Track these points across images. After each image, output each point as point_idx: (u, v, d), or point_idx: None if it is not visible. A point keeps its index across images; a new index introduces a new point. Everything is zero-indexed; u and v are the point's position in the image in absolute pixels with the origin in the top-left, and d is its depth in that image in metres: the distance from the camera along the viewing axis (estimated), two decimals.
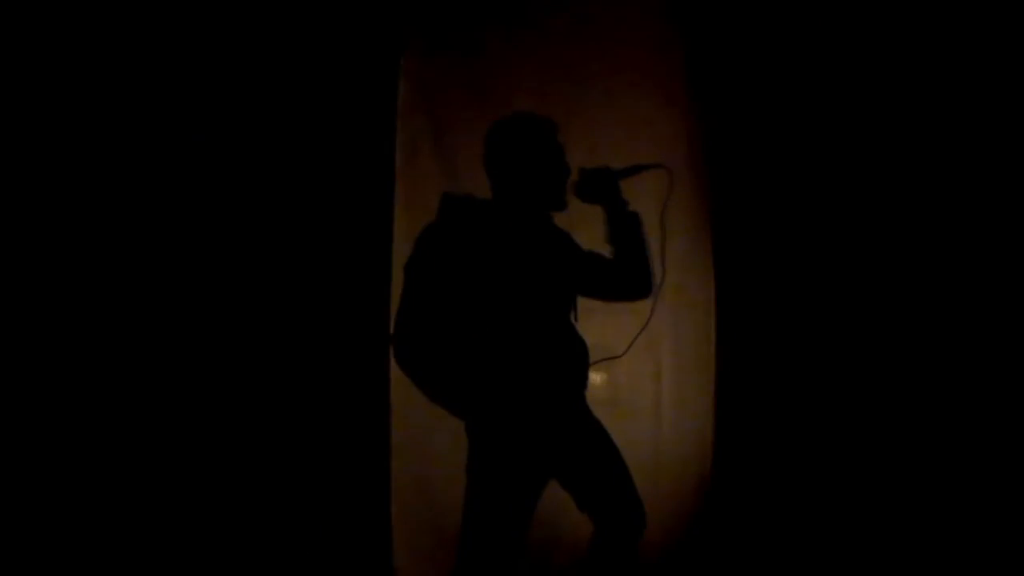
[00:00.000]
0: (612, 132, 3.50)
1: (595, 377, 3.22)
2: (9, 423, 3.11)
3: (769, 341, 3.49)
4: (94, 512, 3.17)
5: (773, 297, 3.50)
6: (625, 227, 2.71)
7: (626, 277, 2.72)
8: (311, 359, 3.30)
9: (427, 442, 3.32)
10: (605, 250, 2.77)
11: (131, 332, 3.23)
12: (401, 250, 3.22)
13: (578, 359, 2.66)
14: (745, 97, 3.54)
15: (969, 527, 3.28)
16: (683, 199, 3.52)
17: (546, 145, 2.67)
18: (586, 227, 2.86)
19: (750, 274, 3.52)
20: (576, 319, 2.71)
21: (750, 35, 3.54)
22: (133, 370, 3.22)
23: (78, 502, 3.16)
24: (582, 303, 2.77)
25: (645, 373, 3.51)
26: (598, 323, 2.88)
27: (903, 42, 3.45)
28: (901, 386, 3.41)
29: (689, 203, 3.56)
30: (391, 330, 2.60)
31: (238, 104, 3.30)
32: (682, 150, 3.60)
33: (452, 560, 2.61)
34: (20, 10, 3.15)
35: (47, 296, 3.18)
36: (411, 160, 3.42)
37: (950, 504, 3.32)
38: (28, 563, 3.09)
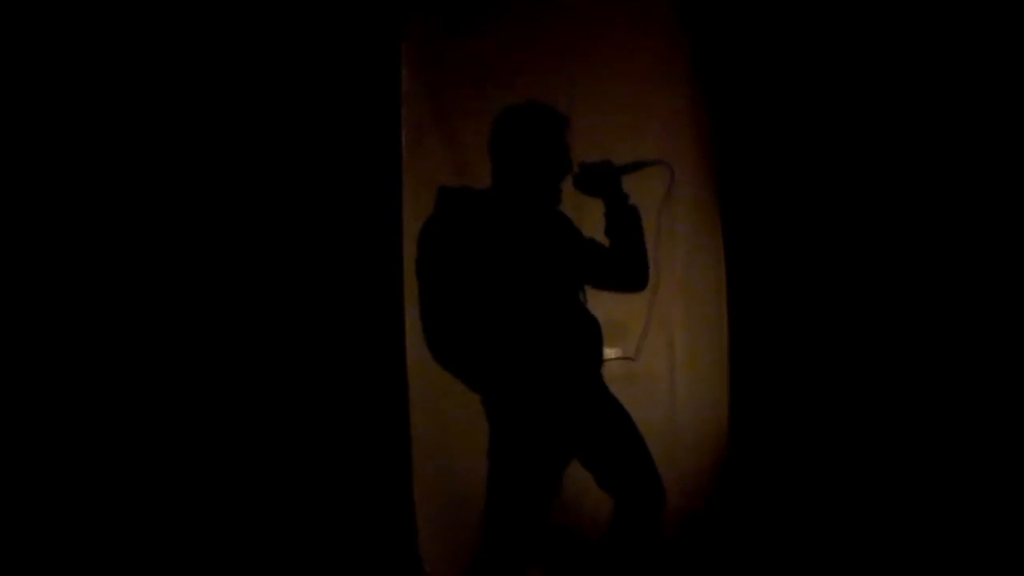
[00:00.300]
0: (616, 116, 3.51)
1: (608, 352, 3.26)
2: (23, 422, 3.13)
3: (781, 310, 3.50)
4: (111, 510, 3.20)
5: (784, 267, 3.51)
6: (624, 221, 2.72)
7: (622, 270, 2.73)
8: (326, 352, 3.31)
9: (446, 429, 3.35)
10: (605, 241, 2.77)
11: (148, 333, 3.24)
12: (412, 237, 3.24)
13: (591, 337, 2.68)
14: (750, 78, 3.53)
15: (973, 518, 3.29)
16: (692, 174, 3.58)
17: (552, 138, 2.68)
18: (591, 218, 2.86)
19: (760, 246, 3.53)
20: (585, 299, 2.73)
21: (756, 20, 3.54)
22: (149, 371, 3.23)
23: (89, 502, 3.19)
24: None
25: (659, 346, 3.51)
26: (610, 299, 2.88)
27: (909, 36, 3.45)
28: (912, 353, 3.42)
29: (697, 178, 3.58)
30: (423, 329, 2.61)
31: (241, 98, 3.31)
32: (687, 132, 3.61)
33: (477, 541, 2.65)
34: (20, 10, 3.15)
35: (51, 297, 3.19)
36: (417, 146, 3.43)
37: (958, 480, 3.34)
38: (49, 563, 3.12)
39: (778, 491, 3.46)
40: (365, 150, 3.34)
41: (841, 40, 3.49)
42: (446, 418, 3.31)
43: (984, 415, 3.34)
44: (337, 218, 3.33)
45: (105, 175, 3.23)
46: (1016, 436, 3.29)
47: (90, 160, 3.22)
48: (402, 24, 3.41)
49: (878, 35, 3.47)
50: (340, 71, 3.34)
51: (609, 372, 2.79)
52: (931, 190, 3.42)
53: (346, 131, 3.34)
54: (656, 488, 2.70)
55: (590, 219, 2.82)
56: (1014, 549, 3.16)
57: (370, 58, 3.36)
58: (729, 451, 3.54)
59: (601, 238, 2.77)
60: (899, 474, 3.40)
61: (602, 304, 2.82)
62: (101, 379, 3.20)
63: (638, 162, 2.78)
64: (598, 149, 2.80)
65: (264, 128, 3.31)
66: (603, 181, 2.72)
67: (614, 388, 2.79)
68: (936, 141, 3.42)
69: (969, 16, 3.37)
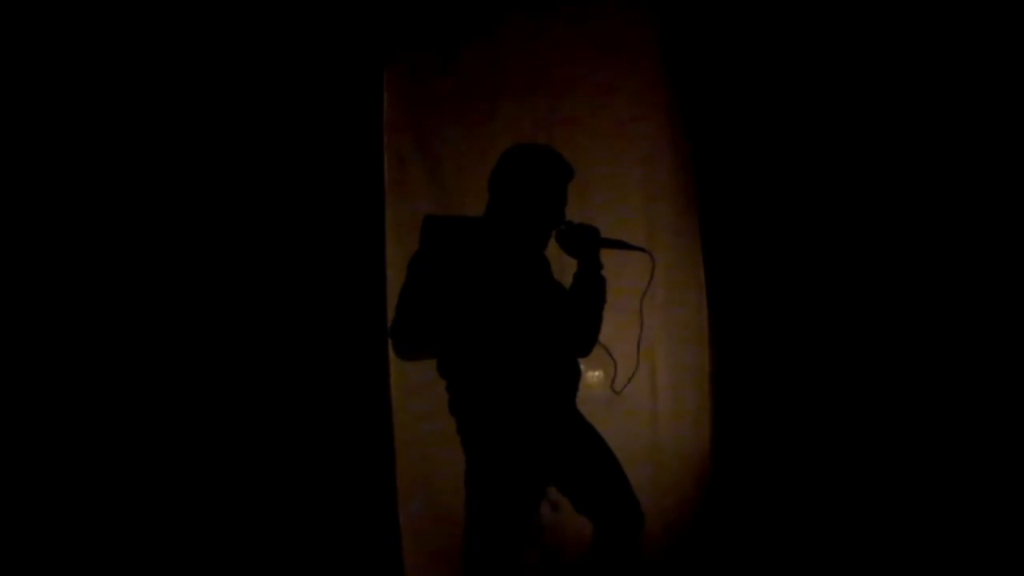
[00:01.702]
0: (595, 138, 3.56)
1: (591, 375, 3.29)
2: (9, 423, 3.11)
3: (762, 332, 3.54)
4: (98, 513, 3.18)
5: (764, 288, 3.55)
6: (590, 289, 2.72)
7: (572, 331, 2.71)
8: (311, 367, 3.32)
9: (429, 439, 3.35)
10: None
11: (133, 335, 3.24)
12: (394, 264, 3.28)
13: (568, 369, 2.72)
14: (731, 102, 3.58)
15: (960, 529, 3.32)
16: (671, 193, 3.64)
17: (556, 187, 2.73)
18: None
19: (740, 266, 3.57)
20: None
21: (735, 42, 3.59)
22: (136, 373, 3.23)
23: (82, 503, 3.17)
24: None
25: (640, 369, 3.49)
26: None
27: (889, 37, 3.50)
28: (892, 375, 3.46)
29: (677, 198, 3.63)
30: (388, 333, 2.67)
31: (225, 124, 3.32)
32: (667, 156, 3.66)
33: (460, 555, 2.67)
34: (8, 10, 3.15)
35: (39, 297, 3.17)
36: (399, 173, 3.46)
37: (942, 496, 3.37)
38: (50, 563, 3.11)
39: (761, 510, 3.48)
40: (347, 177, 3.36)
41: (824, 61, 3.54)
42: (430, 428, 3.31)
43: (970, 421, 3.37)
44: (320, 244, 3.35)
45: (87, 180, 3.23)
46: (1004, 436, 3.33)
47: (78, 163, 3.22)
48: (385, 52, 3.44)
49: (858, 39, 3.52)
50: (322, 98, 3.36)
51: (589, 393, 2.83)
52: (911, 208, 3.47)
53: (328, 158, 3.36)
54: (634, 510, 2.73)
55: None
56: (1007, 550, 3.19)
57: (352, 86, 3.39)
58: (712, 471, 3.56)
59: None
60: (882, 500, 3.42)
61: None
62: (92, 380, 3.20)
63: (623, 242, 2.82)
64: (578, 176, 2.82)
65: (247, 155, 3.32)
66: (584, 245, 2.74)
67: (594, 409, 2.82)
68: (917, 147, 3.47)
69: (955, 14, 3.42)
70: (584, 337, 2.72)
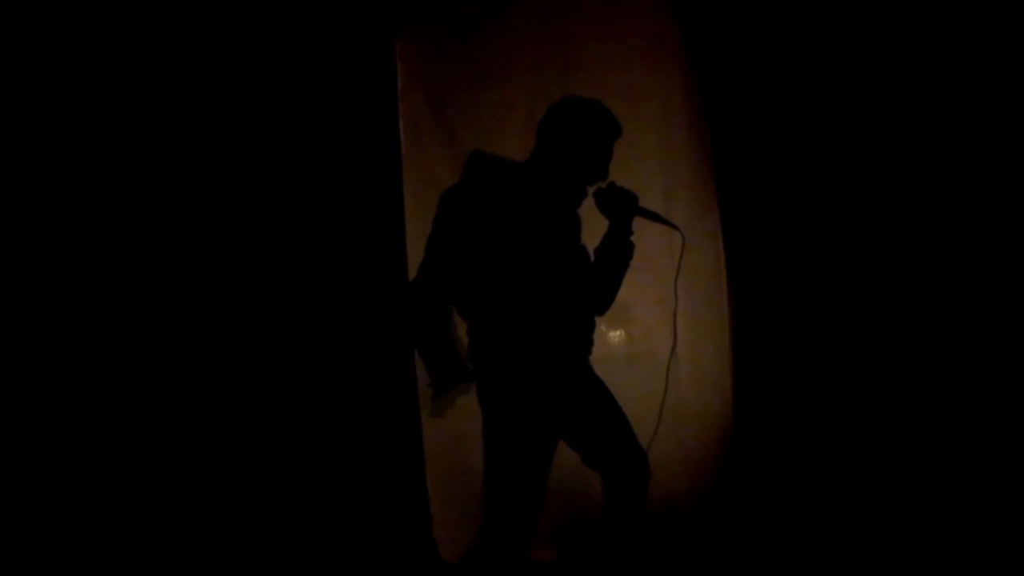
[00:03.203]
0: (610, 102, 3.49)
1: (612, 333, 3.34)
2: (22, 422, 3.17)
3: (780, 294, 3.54)
4: (113, 510, 3.25)
5: (782, 249, 3.55)
6: (616, 253, 2.75)
7: (592, 289, 2.75)
8: (334, 345, 3.37)
9: (457, 415, 3.28)
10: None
11: (155, 335, 3.29)
12: (414, 234, 3.32)
13: (584, 324, 2.75)
14: (745, 66, 3.56)
15: (971, 512, 3.32)
16: (687, 157, 3.62)
17: (605, 144, 2.76)
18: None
19: (758, 228, 3.57)
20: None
21: (750, 5, 3.55)
22: (160, 372, 3.29)
23: (89, 502, 3.24)
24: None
25: (660, 325, 3.50)
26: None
27: (910, 30, 3.48)
28: (911, 336, 3.46)
29: (694, 167, 3.62)
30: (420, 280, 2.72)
31: (237, 100, 3.35)
32: (682, 121, 3.64)
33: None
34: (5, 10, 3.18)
35: (51, 297, 3.24)
36: (415, 144, 3.47)
37: (963, 466, 3.37)
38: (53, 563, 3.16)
39: (781, 471, 3.49)
40: (363, 149, 3.39)
41: (835, 25, 3.51)
42: (456, 403, 3.30)
43: (982, 407, 3.38)
44: (339, 217, 3.39)
45: (100, 178, 3.27)
46: (1014, 432, 3.33)
47: (86, 162, 3.26)
48: (397, 23, 3.45)
49: (872, 23, 3.50)
50: (336, 71, 3.38)
51: (608, 352, 2.88)
52: (929, 179, 3.46)
53: (344, 131, 3.39)
54: (640, 463, 2.80)
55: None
56: (1013, 547, 3.18)
57: (366, 57, 3.41)
58: (732, 432, 3.58)
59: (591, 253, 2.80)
60: (898, 458, 3.44)
61: None
62: (103, 380, 3.25)
63: (658, 215, 2.86)
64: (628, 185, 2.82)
65: (262, 129, 3.35)
66: (620, 208, 2.76)
67: (615, 368, 2.87)
68: (933, 135, 3.45)
69: (962, 13, 3.40)
70: (603, 297, 2.76)
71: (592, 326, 2.78)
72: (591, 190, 2.77)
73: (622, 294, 2.87)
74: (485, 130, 3.40)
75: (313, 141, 3.39)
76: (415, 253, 3.28)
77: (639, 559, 2.88)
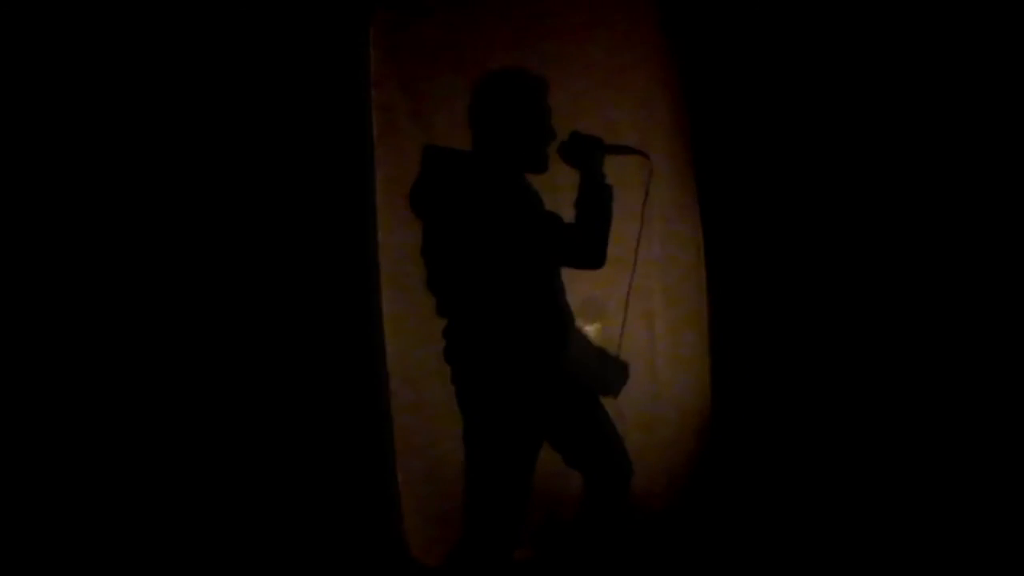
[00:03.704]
0: (590, 91, 3.49)
1: (589, 328, 3.28)
2: None
3: (760, 279, 3.51)
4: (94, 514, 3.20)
5: (761, 232, 3.51)
6: (597, 197, 2.67)
7: (583, 244, 2.67)
8: (304, 343, 3.31)
9: (427, 411, 3.35)
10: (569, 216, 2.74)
11: (129, 336, 3.24)
12: (386, 224, 3.27)
13: (559, 322, 2.68)
14: (725, 49, 3.52)
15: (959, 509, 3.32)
16: (667, 148, 3.57)
17: (534, 104, 2.66)
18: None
19: (738, 212, 3.53)
20: (560, 284, 2.71)
21: None
22: (128, 373, 3.23)
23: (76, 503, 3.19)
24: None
25: (638, 324, 3.52)
26: (588, 278, 2.89)
27: (894, 30, 3.46)
28: (893, 330, 3.45)
29: (673, 151, 3.57)
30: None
31: (208, 89, 3.28)
32: (662, 106, 3.60)
33: (462, 523, 2.68)
34: None
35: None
36: (388, 130, 3.40)
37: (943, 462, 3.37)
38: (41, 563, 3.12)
39: (760, 468, 3.47)
40: (335, 137, 3.32)
41: (819, 17, 3.49)
42: (427, 401, 3.32)
43: (961, 398, 3.39)
44: (310, 206, 3.32)
45: (66, 179, 3.20)
46: (999, 427, 3.34)
47: (53, 163, 3.19)
48: (370, 8, 3.37)
49: (861, 23, 3.48)
50: (308, 57, 3.31)
51: (587, 350, 2.81)
52: (913, 177, 3.44)
53: (316, 119, 3.32)
54: (622, 462, 2.74)
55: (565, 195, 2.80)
56: (1006, 545, 3.17)
57: (338, 43, 3.33)
58: (711, 431, 3.56)
59: (567, 213, 2.73)
60: (880, 455, 3.42)
61: (581, 283, 2.81)
62: (94, 381, 3.20)
63: (626, 146, 2.78)
64: (577, 121, 2.77)
65: (232, 117, 3.28)
66: (587, 154, 2.69)
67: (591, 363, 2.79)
68: (919, 131, 3.44)
69: (955, 12, 3.39)
70: (595, 249, 2.67)
71: (571, 319, 2.70)
72: (551, 151, 2.68)
73: (596, 289, 2.81)
74: (461, 116, 3.30)
75: (284, 129, 3.31)
76: (388, 240, 3.27)
77: (618, 557, 2.84)
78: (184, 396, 3.25)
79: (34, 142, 3.17)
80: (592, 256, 2.68)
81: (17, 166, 3.15)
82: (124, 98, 3.22)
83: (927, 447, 3.38)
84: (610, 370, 2.82)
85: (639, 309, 3.47)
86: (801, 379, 3.48)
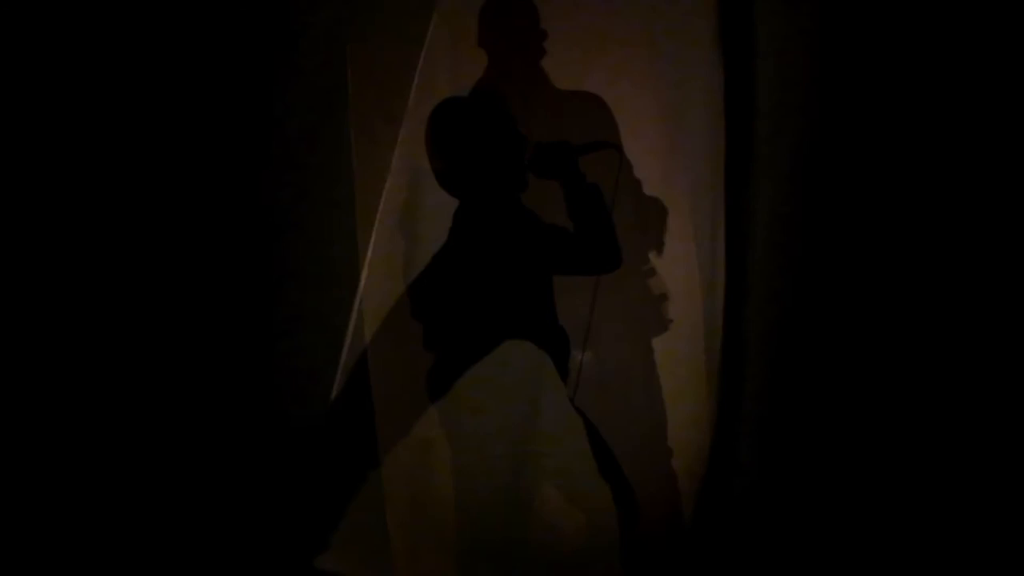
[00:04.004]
0: (569, 104, 3.35)
1: (585, 359, 3.19)
2: None
3: (764, 303, 3.41)
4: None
5: (765, 255, 3.41)
6: (586, 201, 2.62)
7: (593, 251, 2.63)
8: (283, 333, 3.30)
9: (415, 445, 3.27)
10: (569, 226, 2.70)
11: (114, 337, 3.23)
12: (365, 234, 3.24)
13: (558, 348, 2.64)
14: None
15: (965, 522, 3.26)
16: (650, 159, 3.39)
17: (493, 122, 2.60)
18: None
19: (740, 234, 3.41)
20: (554, 309, 2.68)
21: None
22: (115, 376, 3.22)
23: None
24: (560, 282, 2.73)
25: (635, 352, 3.43)
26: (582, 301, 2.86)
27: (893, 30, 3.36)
28: (896, 343, 3.37)
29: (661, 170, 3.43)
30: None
31: (188, 103, 3.27)
32: (646, 113, 3.44)
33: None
34: None
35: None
36: (368, 150, 3.32)
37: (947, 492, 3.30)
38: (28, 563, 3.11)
39: (765, 491, 3.39)
40: (314, 156, 3.30)
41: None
42: (414, 433, 3.23)
43: (969, 399, 3.31)
44: (291, 224, 3.32)
45: (64, 179, 3.21)
46: (1009, 430, 3.27)
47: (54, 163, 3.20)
48: (348, 27, 3.32)
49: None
50: (285, 75, 3.31)
51: (583, 378, 2.80)
52: (913, 176, 3.36)
53: (294, 137, 3.30)
54: (628, 496, 2.70)
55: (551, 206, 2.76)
56: (1011, 548, 3.14)
57: (316, 62, 3.31)
58: (711, 452, 3.45)
59: (564, 223, 2.69)
60: (884, 460, 3.35)
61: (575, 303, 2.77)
62: (68, 379, 3.19)
63: (594, 143, 2.73)
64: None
65: (211, 133, 3.27)
66: (559, 161, 2.63)
67: (587, 392, 2.76)
68: (919, 131, 3.35)
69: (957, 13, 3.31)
70: (608, 249, 2.63)
71: (567, 346, 2.66)
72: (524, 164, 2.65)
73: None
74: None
75: (262, 146, 3.31)
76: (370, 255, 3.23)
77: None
78: (159, 410, 3.24)
79: (35, 142, 3.18)
80: (609, 259, 2.64)
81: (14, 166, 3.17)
82: (113, 105, 3.23)
83: (928, 447, 3.32)
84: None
85: (637, 338, 3.40)
86: (802, 381, 3.40)
